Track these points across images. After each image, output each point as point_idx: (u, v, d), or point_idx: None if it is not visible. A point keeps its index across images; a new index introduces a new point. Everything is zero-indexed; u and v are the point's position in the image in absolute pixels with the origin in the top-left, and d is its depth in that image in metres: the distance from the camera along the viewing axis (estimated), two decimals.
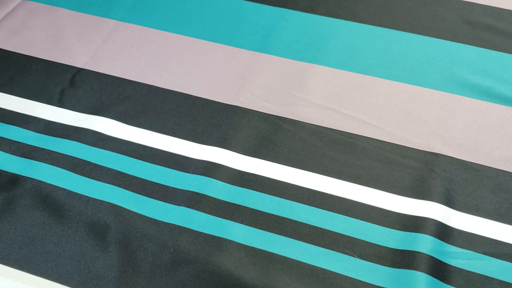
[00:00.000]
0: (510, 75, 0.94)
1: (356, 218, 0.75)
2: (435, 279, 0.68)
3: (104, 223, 0.73)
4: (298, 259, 0.70)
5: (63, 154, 0.82)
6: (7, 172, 0.79)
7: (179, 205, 0.76)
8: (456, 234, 0.73)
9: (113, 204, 0.75)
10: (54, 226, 0.73)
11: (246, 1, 1.09)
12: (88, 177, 0.79)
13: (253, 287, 0.67)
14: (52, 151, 0.82)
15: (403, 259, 0.70)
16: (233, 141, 0.84)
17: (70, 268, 0.70)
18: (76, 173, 0.79)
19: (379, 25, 1.04)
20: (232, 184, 0.78)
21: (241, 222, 0.74)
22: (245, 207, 0.76)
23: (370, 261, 0.70)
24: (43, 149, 0.82)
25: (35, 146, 0.83)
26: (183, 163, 0.81)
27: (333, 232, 0.73)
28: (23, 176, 0.78)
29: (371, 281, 0.68)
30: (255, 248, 0.71)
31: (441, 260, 0.70)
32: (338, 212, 0.75)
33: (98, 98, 0.91)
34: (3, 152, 0.82)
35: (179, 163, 0.81)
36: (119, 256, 0.70)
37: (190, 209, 0.75)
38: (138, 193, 0.77)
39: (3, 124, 0.87)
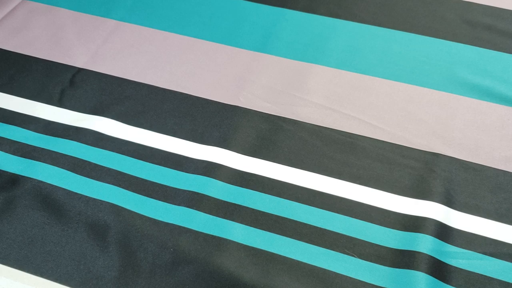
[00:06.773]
0: (510, 75, 0.94)
1: (356, 218, 0.75)
2: (435, 279, 0.68)
3: (104, 223, 0.73)
4: (298, 259, 0.70)
5: (63, 154, 0.82)
6: (7, 172, 0.79)
7: (179, 205, 0.76)
8: (456, 234, 0.73)
9: (113, 204, 0.75)
10: (54, 226, 0.73)
11: (246, 1, 1.09)
12: (88, 177, 0.79)
13: (253, 287, 0.67)
14: (52, 151, 0.82)
15: (403, 259, 0.70)
16: (233, 141, 0.84)
17: (70, 268, 0.70)
18: (76, 173, 0.79)
19: (379, 25, 1.04)
20: (232, 184, 0.78)
21: (241, 222, 0.74)
22: (245, 207, 0.76)
23: (370, 261, 0.70)
24: (43, 149, 0.82)
25: (35, 146, 0.83)
26: (183, 163, 0.81)
27: (333, 232, 0.73)
28: (23, 176, 0.78)
29: (371, 281, 0.68)
30: (255, 248, 0.71)
31: (441, 260, 0.70)
32: (338, 212, 0.75)
33: (98, 98, 0.91)
34: (3, 152, 0.82)
35: (179, 163, 0.81)
36: (119, 256, 0.70)
37: (190, 209, 0.75)
38: (138, 193, 0.77)
39: (3, 124, 0.87)
